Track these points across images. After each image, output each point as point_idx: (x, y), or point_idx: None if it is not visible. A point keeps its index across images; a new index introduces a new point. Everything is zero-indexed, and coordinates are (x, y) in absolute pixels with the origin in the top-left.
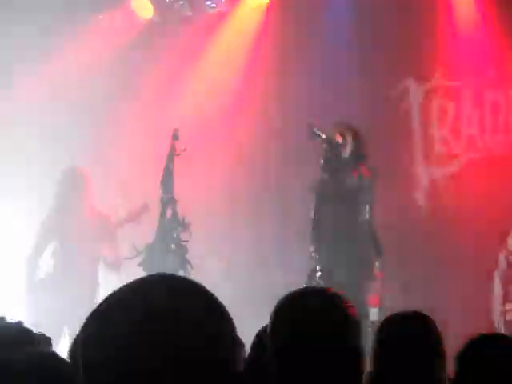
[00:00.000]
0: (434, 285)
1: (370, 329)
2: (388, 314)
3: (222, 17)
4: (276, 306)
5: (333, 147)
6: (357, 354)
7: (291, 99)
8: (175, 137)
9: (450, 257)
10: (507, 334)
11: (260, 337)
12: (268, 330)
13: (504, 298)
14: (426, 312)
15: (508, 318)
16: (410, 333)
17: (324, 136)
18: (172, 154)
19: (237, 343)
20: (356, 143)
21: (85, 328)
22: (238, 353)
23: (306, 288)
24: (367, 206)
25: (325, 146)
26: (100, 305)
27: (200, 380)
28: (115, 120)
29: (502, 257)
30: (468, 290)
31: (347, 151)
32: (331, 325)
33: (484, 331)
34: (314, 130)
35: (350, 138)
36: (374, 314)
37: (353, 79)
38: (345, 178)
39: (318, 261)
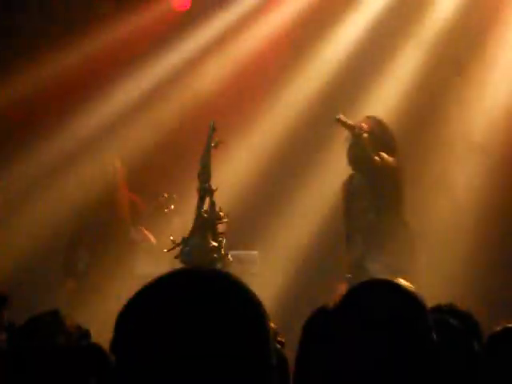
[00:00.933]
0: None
1: None
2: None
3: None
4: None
5: (359, 137)
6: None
7: (320, 94)
8: (212, 128)
9: (489, 247)
10: None
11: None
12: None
13: None
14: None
15: None
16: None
17: (350, 123)
18: (209, 145)
19: (270, 338)
20: (382, 135)
21: (126, 313)
22: (272, 348)
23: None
24: (394, 198)
25: (350, 135)
26: (140, 291)
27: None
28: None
29: None
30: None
31: (373, 142)
32: None
33: None
34: (341, 117)
35: (376, 130)
36: None
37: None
38: (370, 169)
39: (352, 254)
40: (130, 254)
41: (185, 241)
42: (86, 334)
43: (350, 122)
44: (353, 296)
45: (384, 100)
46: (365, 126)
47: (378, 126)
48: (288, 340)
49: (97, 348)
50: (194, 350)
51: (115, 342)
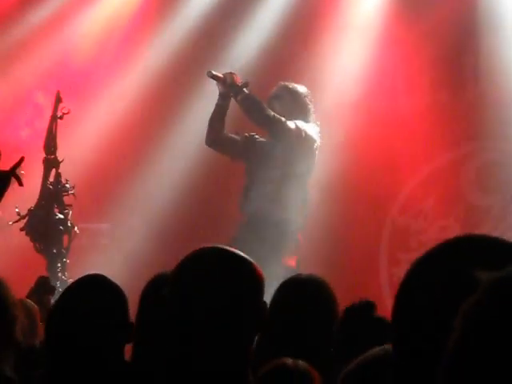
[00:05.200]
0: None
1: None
2: None
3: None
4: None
5: (239, 92)
6: (257, 311)
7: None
8: (58, 99)
9: (335, 220)
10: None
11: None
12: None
13: (389, 262)
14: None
15: (395, 280)
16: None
17: (221, 75)
18: (55, 116)
19: None
20: (293, 102)
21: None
22: None
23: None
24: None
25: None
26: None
27: None
28: None
29: (389, 220)
30: (356, 253)
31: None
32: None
33: (372, 293)
34: (212, 72)
35: (286, 95)
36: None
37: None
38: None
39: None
40: None
41: (30, 213)
42: None
43: (227, 78)
44: (186, 261)
45: None
46: (238, 78)
47: (287, 92)
48: None
49: None
50: None
51: None
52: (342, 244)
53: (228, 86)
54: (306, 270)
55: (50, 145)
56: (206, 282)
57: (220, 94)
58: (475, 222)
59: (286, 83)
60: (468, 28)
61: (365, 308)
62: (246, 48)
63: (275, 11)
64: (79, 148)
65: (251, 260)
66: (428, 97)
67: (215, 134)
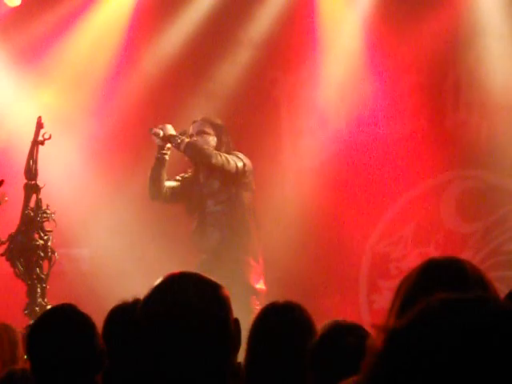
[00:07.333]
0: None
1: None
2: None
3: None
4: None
5: (180, 145)
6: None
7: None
8: (39, 124)
9: (314, 247)
10: (372, 323)
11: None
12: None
13: (369, 290)
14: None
15: (375, 307)
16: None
17: (160, 133)
18: (36, 142)
19: None
20: (219, 137)
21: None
22: None
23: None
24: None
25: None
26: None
27: None
28: None
29: (368, 248)
30: (335, 281)
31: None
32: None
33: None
34: (154, 130)
35: (212, 133)
36: (256, 296)
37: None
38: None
39: (207, 238)
40: None
41: (11, 238)
42: None
43: (163, 132)
44: (157, 287)
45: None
46: (171, 129)
47: (211, 127)
48: None
49: None
50: None
51: None
52: (321, 271)
53: (166, 139)
54: (284, 297)
55: (31, 170)
56: (175, 304)
57: (158, 147)
58: (455, 250)
59: (208, 118)
60: (449, 56)
61: (339, 334)
62: (227, 75)
63: (258, 35)
64: (60, 173)
65: (216, 282)
66: (409, 125)
67: (156, 189)
